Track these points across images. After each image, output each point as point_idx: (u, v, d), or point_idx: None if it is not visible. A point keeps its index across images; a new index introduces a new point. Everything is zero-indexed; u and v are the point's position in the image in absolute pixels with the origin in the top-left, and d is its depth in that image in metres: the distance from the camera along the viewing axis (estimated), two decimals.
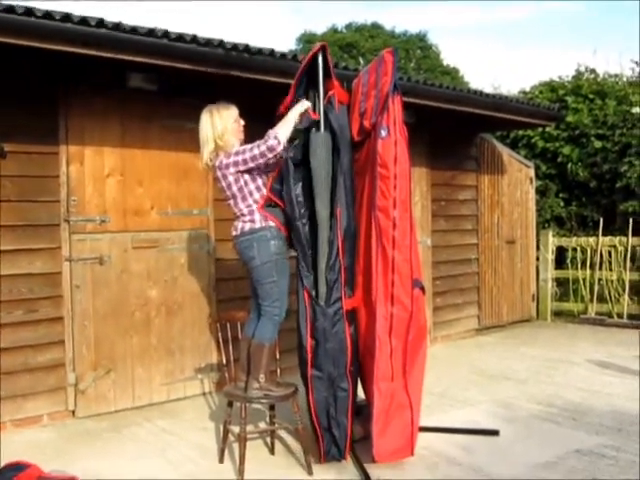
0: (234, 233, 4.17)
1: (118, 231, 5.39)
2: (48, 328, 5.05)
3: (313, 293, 4.10)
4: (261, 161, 4.00)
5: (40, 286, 5.01)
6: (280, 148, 3.98)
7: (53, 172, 5.07)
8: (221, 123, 4.10)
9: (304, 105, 4.18)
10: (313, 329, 4.08)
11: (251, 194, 4.08)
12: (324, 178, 4.15)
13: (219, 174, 4.09)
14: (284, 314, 4.15)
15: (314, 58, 4.23)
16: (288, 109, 4.22)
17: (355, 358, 4.19)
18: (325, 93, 4.24)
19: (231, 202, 4.15)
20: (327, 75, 4.26)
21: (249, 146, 4.03)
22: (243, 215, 4.10)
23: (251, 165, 4.01)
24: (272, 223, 4.09)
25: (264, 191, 4.12)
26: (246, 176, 4.06)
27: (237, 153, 4.02)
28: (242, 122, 4.23)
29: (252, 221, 4.07)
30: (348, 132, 4.35)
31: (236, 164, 4.01)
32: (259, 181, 4.11)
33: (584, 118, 10.95)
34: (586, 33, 40.37)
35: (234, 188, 4.08)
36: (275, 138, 3.96)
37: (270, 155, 3.97)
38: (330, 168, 4.18)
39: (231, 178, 4.05)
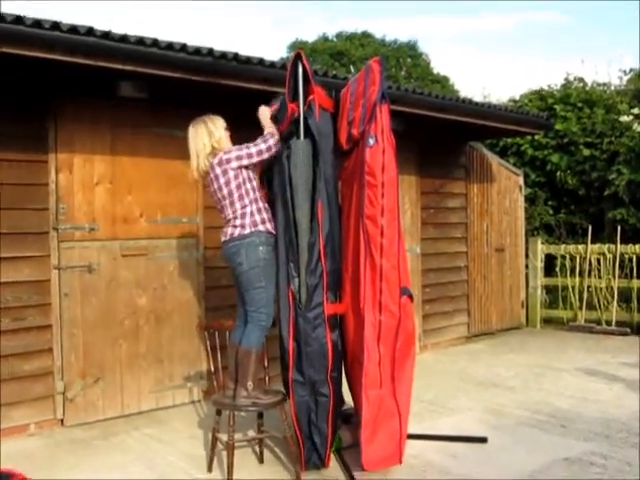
0: (223, 239, 4.18)
1: (107, 239, 5.38)
2: (36, 336, 5.02)
3: (297, 296, 4.11)
4: (265, 156, 4.16)
5: (28, 294, 4.99)
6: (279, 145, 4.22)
7: (42, 180, 5.06)
8: (217, 130, 4.19)
9: (265, 111, 4.34)
10: (295, 332, 4.09)
11: (247, 193, 4.12)
12: (304, 187, 4.17)
13: (218, 171, 4.07)
14: (271, 320, 4.15)
15: (294, 66, 4.28)
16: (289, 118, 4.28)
17: (337, 364, 4.19)
18: (305, 99, 4.25)
19: (226, 202, 4.12)
20: (306, 81, 4.27)
21: (252, 143, 4.15)
22: (235, 218, 4.10)
23: (255, 160, 4.12)
24: (261, 228, 4.11)
25: (257, 195, 4.17)
26: (244, 173, 4.11)
27: (240, 148, 4.11)
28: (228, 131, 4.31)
29: (242, 226, 4.08)
30: (331, 138, 4.36)
31: (239, 158, 4.07)
32: (254, 182, 4.19)
33: (573, 126, 11.01)
34: (575, 43, 40.62)
35: (232, 185, 4.08)
36: (277, 135, 4.20)
37: (274, 150, 4.17)
38: (310, 176, 4.20)
39: (231, 173, 4.07)
